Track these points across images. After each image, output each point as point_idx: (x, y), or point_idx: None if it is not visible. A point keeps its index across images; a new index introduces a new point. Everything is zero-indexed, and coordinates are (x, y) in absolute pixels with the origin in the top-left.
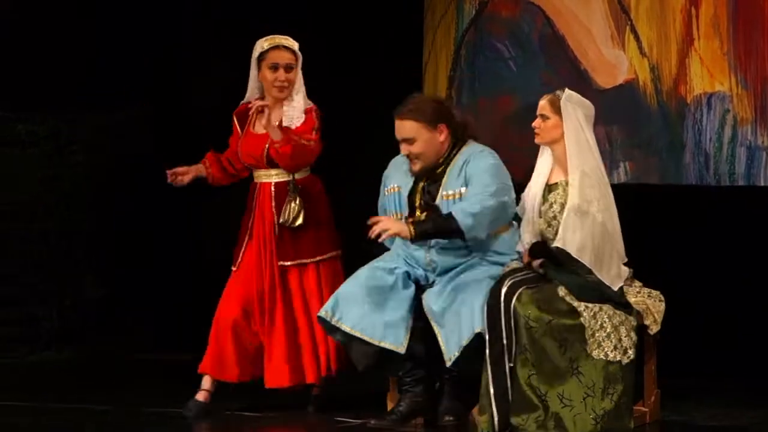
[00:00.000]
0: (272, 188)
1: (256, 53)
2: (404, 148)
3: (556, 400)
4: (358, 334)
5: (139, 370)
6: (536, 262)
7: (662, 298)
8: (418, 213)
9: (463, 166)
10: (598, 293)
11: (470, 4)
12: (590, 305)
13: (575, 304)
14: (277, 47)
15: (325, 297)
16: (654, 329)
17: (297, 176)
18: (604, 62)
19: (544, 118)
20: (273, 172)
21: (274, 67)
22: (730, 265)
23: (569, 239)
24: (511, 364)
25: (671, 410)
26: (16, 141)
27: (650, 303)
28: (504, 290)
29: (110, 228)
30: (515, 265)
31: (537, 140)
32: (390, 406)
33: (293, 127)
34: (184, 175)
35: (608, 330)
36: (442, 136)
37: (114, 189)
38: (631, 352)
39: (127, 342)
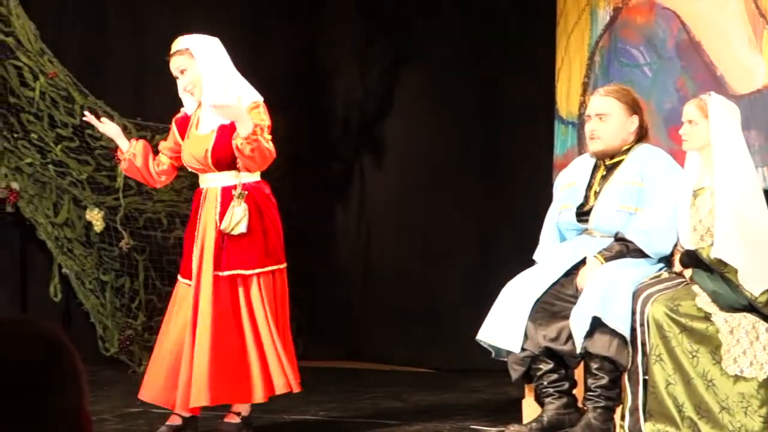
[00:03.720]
0: (218, 193)
1: None
2: (593, 125)
3: (693, 411)
4: (483, 340)
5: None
6: (687, 272)
7: None
8: (592, 200)
9: (643, 158)
10: (747, 304)
11: (604, 10)
12: (729, 318)
13: (713, 314)
14: (169, 57)
15: (271, 311)
16: None
17: (245, 181)
18: (741, 67)
19: (693, 123)
20: (220, 175)
21: (176, 77)
22: None
23: (722, 244)
24: (646, 377)
25: None
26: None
27: None
28: (642, 297)
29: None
30: (665, 274)
31: (685, 146)
32: (525, 413)
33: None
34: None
35: (745, 346)
36: (633, 126)
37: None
38: (767, 368)
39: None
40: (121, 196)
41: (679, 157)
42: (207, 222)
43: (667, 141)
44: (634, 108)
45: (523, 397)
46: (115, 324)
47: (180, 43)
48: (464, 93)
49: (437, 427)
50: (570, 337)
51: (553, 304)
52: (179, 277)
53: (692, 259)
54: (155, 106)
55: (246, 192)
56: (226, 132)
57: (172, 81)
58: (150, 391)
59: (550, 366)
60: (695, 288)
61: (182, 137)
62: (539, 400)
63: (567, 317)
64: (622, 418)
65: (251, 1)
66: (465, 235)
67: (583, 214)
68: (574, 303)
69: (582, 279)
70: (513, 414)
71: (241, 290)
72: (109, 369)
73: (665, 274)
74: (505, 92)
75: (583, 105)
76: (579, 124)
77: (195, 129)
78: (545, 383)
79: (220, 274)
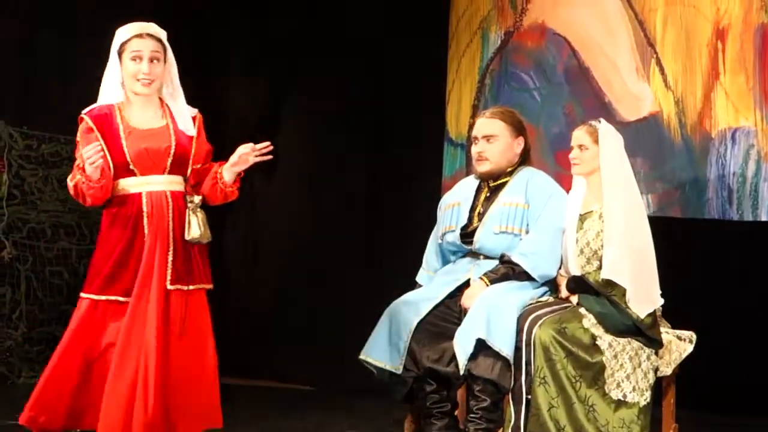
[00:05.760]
0: (169, 198)
1: (116, 43)
2: (480, 146)
3: None
4: (365, 359)
5: None
6: (573, 298)
7: (693, 340)
8: (476, 221)
9: (528, 181)
10: (632, 326)
11: (496, 34)
12: (614, 343)
13: (599, 338)
14: (140, 36)
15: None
16: (665, 371)
17: (178, 189)
18: (628, 95)
19: (583, 148)
20: (168, 179)
21: (137, 57)
22: (751, 301)
23: (611, 265)
24: (529, 396)
25: None
26: (40, 161)
27: (674, 343)
28: (529, 319)
29: None
30: (548, 299)
31: (575, 171)
32: None
33: (188, 134)
34: None
35: (628, 371)
36: (519, 148)
37: None
38: (647, 394)
39: None
40: (4, 204)
41: (566, 181)
42: (158, 230)
43: (554, 165)
44: (520, 129)
45: (405, 417)
46: None
47: (153, 28)
48: (354, 113)
49: None
50: (453, 358)
51: (437, 325)
52: (112, 296)
53: (579, 284)
54: (40, 115)
55: (202, 197)
56: (179, 130)
57: (59, 90)
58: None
59: (433, 387)
60: (582, 311)
61: (108, 136)
62: (421, 420)
63: (451, 338)
64: None
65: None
66: (352, 255)
67: (467, 235)
68: (458, 324)
69: (467, 300)
70: None
71: (199, 306)
72: None
73: (551, 299)
74: (396, 113)
75: (473, 128)
76: (468, 146)
77: (131, 124)
78: (428, 404)
79: (185, 288)
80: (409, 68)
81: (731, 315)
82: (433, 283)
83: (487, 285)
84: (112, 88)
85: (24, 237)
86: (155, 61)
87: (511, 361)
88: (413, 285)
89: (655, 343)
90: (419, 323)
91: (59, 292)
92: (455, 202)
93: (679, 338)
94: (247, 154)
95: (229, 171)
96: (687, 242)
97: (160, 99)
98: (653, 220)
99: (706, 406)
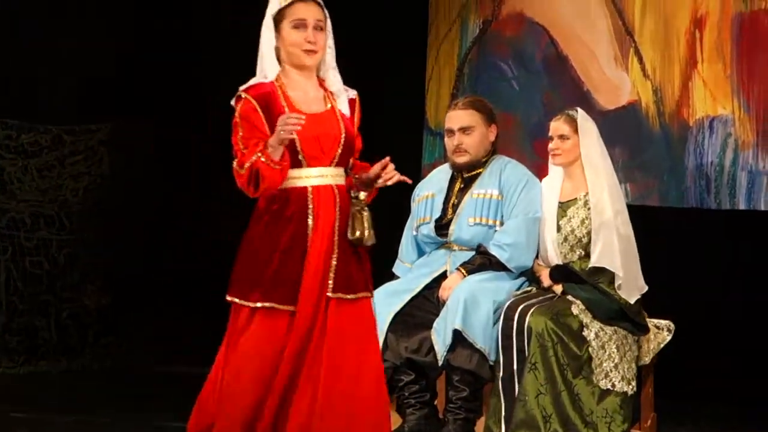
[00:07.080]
0: (336, 192)
1: (272, 8)
2: (457, 139)
3: (559, 423)
4: None
5: (138, 382)
6: (557, 287)
7: (671, 329)
8: (450, 213)
9: (501, 171)
10: (618, 311)
11: (474, 23)
12: (601, 333)
13: (586, 326)
14: (304, 0)
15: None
16: (644, 360)
17: (343, 182)
18: (607, 83)
19: (564, 138)
20: (335, 171)
21: (301, 25)
22: (729, 289)
23: (603, 252)
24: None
25: None
26: (19, 150)
27: (653, 332)
28: (521, 308)
29: (111, 238)
30: (531, 290)
31: (557, 161)
32: None
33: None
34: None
35: (616, 360)
36: (493, 136)
37: (115, 199)
38: (633, 384)
39: (125, 354)
40: None
41: (544, 171)
42: (324, 230)
43: (532, 155)
44: (492, 118)
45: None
46: None
47: None
48: None
49: None
50: (431, 348)
51: (414, 316)
52: (268, 303)
53: (563, 273)
54: (17, 105)
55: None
56: (344, 116)
57: (40, 79)
58: None
59: (412, 377)
60: (570, 298)
61: (273, 118)
62: (401, 410)
63: (428, 328)
64: (487, 428)
65: None
66: None
67: (441, 227)
68: (436, 315)
69: (444, 292)
70: None
71: (361, 316)
72: None
73: (533, 290)
74: (375, 102)
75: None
76: None
77: (296, 106)
78: (406, 394)
79: (348, 297)
80: (388, 58)
81: (709, 304)
82: (409, 275)
83: (464, 276)
84: (269, 62)
85: (3, 227)
86: (319, 30)
87: (486, 354)
88: (391, 277)
89: (641, 328)
90: (396, 315)
91: (39, 282)
92: (429, 193)
93: (657, 327)
94: (373, 179)
95: (359, 184)
96: (665, 231)
97: (318, 78)
98: (632, 209)
99: (684, 395)
